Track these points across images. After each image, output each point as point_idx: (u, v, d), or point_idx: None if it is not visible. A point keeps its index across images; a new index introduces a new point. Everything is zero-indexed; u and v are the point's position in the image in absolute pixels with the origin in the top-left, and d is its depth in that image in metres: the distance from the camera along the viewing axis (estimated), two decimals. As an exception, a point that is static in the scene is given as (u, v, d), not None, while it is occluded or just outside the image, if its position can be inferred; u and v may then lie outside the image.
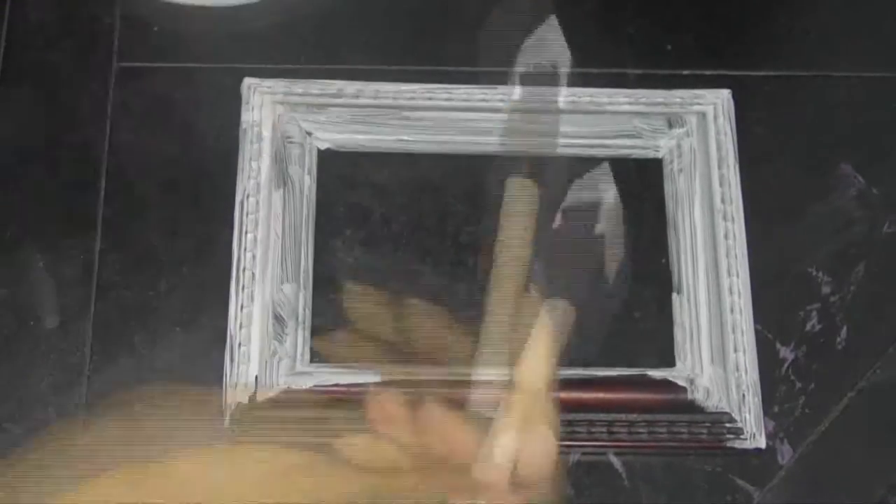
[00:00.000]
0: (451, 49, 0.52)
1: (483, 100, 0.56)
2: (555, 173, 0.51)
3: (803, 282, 0.54)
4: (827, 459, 0.52)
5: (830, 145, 0.57)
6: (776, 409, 0.52)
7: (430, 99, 0.56)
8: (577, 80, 0.57)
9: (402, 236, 0.52)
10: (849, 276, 0.55)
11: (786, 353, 0.53)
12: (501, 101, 0.56)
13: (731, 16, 0.59)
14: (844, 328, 0.54)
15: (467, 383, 0.51)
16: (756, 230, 0.54)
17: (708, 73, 0.58)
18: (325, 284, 0.53)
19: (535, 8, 0.53)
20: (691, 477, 0.51)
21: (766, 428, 0.51)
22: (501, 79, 0.56)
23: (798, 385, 0.53)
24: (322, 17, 0.54)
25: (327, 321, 0.53)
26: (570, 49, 0.58)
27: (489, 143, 0.56)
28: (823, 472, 0.52)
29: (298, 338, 0.52)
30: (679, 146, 0.56)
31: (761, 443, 0.51)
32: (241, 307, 0.52)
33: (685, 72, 0.58)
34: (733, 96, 0.57)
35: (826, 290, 0.54)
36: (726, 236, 0.54)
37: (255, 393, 0.51)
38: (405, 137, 0.55)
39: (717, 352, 0.52)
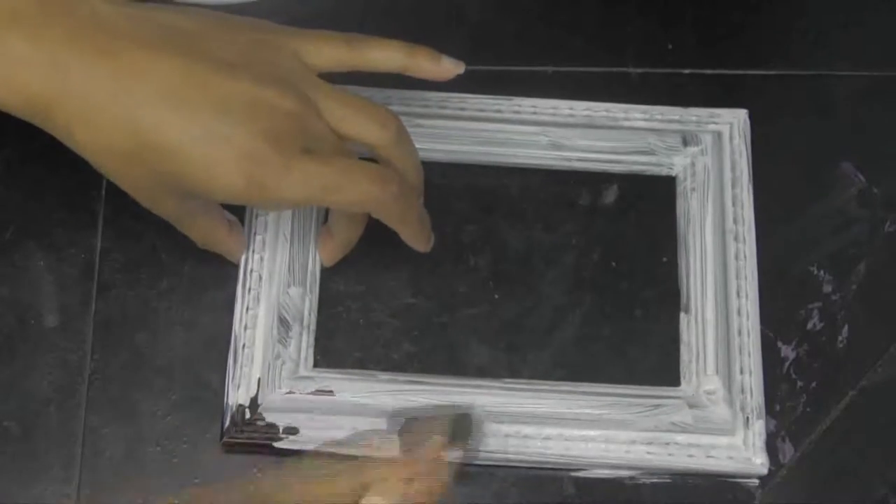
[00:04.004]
0: (452, 51, 0.52)
1: (497, 110, 0.56)
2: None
3: (804, 280, 0.54)
4: (828, 458, 0.52)
5: (831, 144, 0.57)
6: (777, 407, 0.52)
7: (443, 108, 0.56)
8: (580, 82, 0.57)
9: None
10: (850, 274, 0.55)
11: (787, 351, 0.53)
12: (515, 111, 0.56)
13: (731, 15, 0.59)
14: (845, 327, 0.54)
15: None
16: (757, 229, 0.54)
17: (708, 72, 0.58)
18: (332, 289, 0.54)
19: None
20: (693, 475, 0.51)
21: (767, 427, 0.51)
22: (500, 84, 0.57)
23: (799, 384, 0.53)
24: (322, 18, 0.54)
25: (332, 326, 0.53)
26: (572, 49, 0.58)
27: (499, 154, 0.56)
28: (825, 470, 0.52)
29: (303, 342, 0.52)
30: (693, 165, 0.56)
31: (763, 469, 0.51)
32: (247, 309, 0.52)
33: (686, 71, 0.58)
34: (733, 95, 0.57)
35: (827, 288, 0.54)
36: (737, 257, 0.54)
37: (256, 395, 0.51)
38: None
39: (722, 373, 0.52)
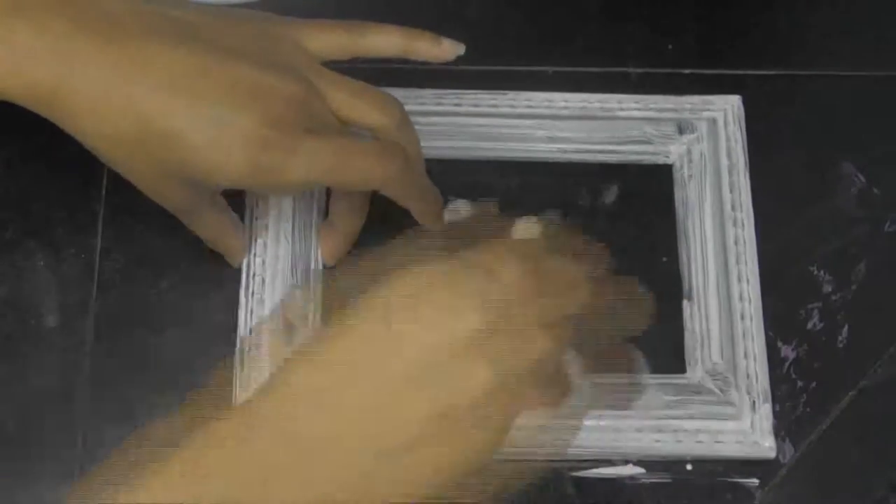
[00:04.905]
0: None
1: (493, 105, 0.56)
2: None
3: (805, 280, 0.54)
4: (828, 458, 0.52)
5: (831, 144, 0.57)
6: (778, 407, 0.52)
7: (439, 104, 0.56)
8: (580, 82, 0.57)
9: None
10: (850, 275, 0.55)
11: (787, 351, 0.53)
12: (511, 106, 0.56)
13: (731, 15, 0.59)
14: (845, 327, 0.54)
15: None
16: (757, 229, 0.54)
17: (708, 72, 0.58)
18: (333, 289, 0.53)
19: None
20: (693, 475, 0.51)
21: (767, 427, 0.52)
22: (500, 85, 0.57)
23: (799, 384, 0.53)
24: (320, 17, 0.54)
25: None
26: (572, 49, 0.58)
27: (496, 149, 0.56)
28: (825, 470, 0.52)
29: (307, 343, 0.52)
30: (689, 152, 0.56)
31: (771, 452, 0.51)
32: (251, 312, 0.52)
33: (686, 71, 0.58)
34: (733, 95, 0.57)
35: (827, 288, 0.54)
36: (736, 242, 0.54)
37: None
38: None
39: (727, 359, 0.52)
